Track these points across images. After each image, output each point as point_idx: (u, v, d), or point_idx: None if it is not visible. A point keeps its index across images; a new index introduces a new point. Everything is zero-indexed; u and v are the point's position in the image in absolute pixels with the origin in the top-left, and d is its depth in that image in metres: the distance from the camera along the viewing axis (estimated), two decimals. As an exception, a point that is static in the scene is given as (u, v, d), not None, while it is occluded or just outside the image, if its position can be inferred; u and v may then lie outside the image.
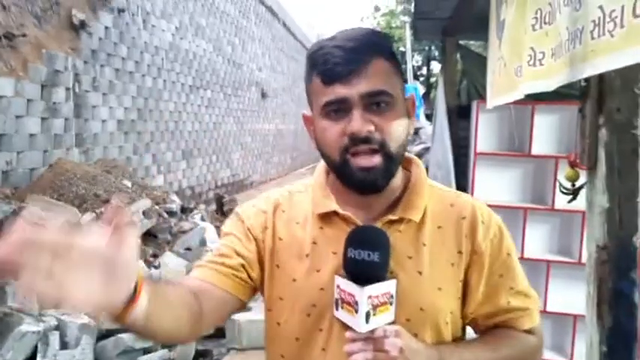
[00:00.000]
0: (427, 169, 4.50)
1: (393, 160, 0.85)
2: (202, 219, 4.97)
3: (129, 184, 4.72)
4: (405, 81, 0.96)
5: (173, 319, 0.79)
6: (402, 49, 20.84)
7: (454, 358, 0.86)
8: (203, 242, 4.18)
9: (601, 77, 1.07)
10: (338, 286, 0.82)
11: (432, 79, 19.21)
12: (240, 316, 3.35)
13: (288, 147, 15.22)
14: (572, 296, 3.19)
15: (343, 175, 0.86)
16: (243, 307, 0.95)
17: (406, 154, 0.93)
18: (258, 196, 1.01)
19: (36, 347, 2.26)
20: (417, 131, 6.37)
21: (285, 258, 0.92)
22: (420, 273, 0.87)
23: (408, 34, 15.55)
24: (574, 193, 1.38)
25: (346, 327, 0.81)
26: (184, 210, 4.87)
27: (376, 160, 0.83)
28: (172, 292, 0.82)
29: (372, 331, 0.79)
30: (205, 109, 8.92)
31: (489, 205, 3.08)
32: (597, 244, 1.13)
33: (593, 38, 0.82)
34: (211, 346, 3.25)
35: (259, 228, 0.94)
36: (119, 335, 2.49)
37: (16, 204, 3.18)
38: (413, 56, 19.19)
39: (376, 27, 23.56)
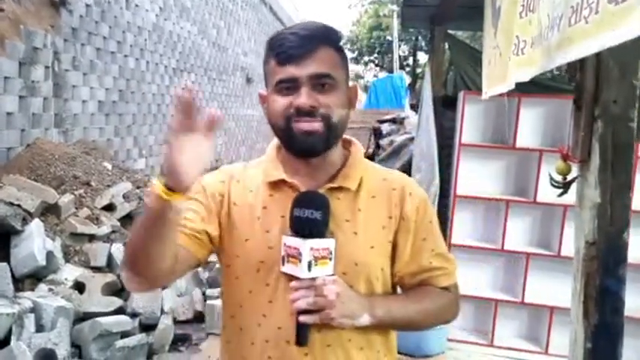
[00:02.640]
0: (411, 158, 4.49)
1: (332, 131, 0.98)
2: (184, 204, 4.90)
3: (109, 166, 4.61)
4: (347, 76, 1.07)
5: (165, 252, 0.92)
6: (389, 37, 20.77)
7: (383, 306, 1.00)
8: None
9: (598, 68, 1.06)
10: (284, 244, 0.95)
11: (418, 70, 19.20)
12: (219, 301, 3.32)
13: (272, 133, 15.08)
14: (550, 288, 3.23)
15: (287, 139, 1.00)
16: (198, 265, 1.08)
17: (346, 136, 1.08)
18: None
19: (10, 330, 2.20)
20: (402, 121, 6.36)
21: (239, 220, 1.04)
22: (356, 233, 1.01)
23: (395, 23, 15.49)
24: (565, 186, 1.37)
25: (291, 279, 0.95)
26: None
27: (317, 125, 0.96)
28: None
29: (314, 280, 0.92)
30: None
31: (473, 197, 3.09)
32: (586, 240, 1.12)
33: (570, 25, 0.80)
34: (190, 331, 3.22)
35: (217, 194, 1.06)
36: (96, 319, 2.44)
37: (-9, 183, 3.08)
38: (400, 46, 19.15)
39: (364, 15, 23.42)
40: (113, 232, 3.52)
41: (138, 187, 4.41)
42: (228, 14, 10.99)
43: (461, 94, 3.51)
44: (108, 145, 5.96)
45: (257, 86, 13.47)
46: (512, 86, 1.30)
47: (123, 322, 2.54)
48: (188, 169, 0.82)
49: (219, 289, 3.51)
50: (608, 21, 0.70)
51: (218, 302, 3.29)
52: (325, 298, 0.92)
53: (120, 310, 2.65)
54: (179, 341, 3.00)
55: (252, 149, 13.07)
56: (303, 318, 0.93)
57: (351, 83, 1.06)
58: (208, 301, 3.34)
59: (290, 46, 0.96)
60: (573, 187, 1.27)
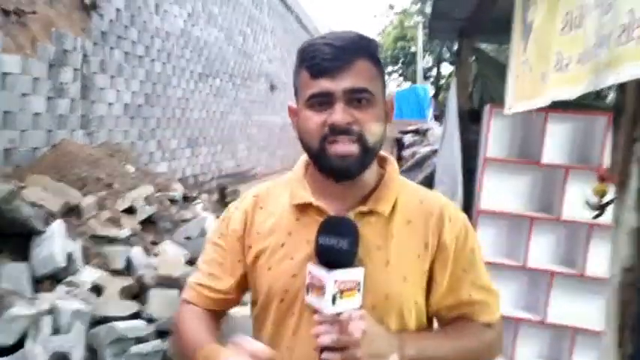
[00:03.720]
0: (433, 171, 4.43)
1: (369, 152, 0.91)
2: (204, 209, 4.92)
3: (132, 169, 4.67)
4: (384, 85, 1.00)
5: None
6: (413, 49, 20.72)
7: (414, 345, 0.90)
8: (203, 232, 4.13)
9: (639, 86, 1.01)
10: (309, 273, 0.88)
11: (442, 81, 19.08)
12: (235, 311, 3.30)
13: (293, 140, 15.13)
14: (573, 308, 3.14)
15: (320, 161, 0.93)
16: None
17: (382, 152, 1.01)
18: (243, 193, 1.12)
19: (26, 331, 2.21)
20: (425, 132, 6.30)
21: (262, 249, 0.99)
22: (388, 263, 0.93)
23: (420, 34, 15.43)
24: (601, 208, 1.31)
25: (315, 311, 0.87)
26: (186, 198, 4.82)
27: (353, 148, 0.89)
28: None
29: (339, 315, 0.84)
30: (213, 97, 8.87)
31: (496, 212, 3.00)
32: (623, 266, 1.07)
33: (619, 44, 0.76)
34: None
35: (240, 228, 1.03)
36: (112, 324, 2.44)
37: (15, 183, 3.14)
38: (424, 57, 19.07)
39: (389, 25, 23.42)
40: (133, 235, 3.55)
41: (159, 191, 4.45)
42: (255, 22, 11.11)
43: (487, 108, 3.44)
44: (131, 147, 6.05)
45: (280, 93, 13.56)
46: (548, 103, 1.25)
47: (139, 327, 2.54)
48: None
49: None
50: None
51: (233, 312, 3.27)
52: (350, 335, 0.82)
53: (136, 315, 2.65)
54: (194, 348, 2.97)
55: (273, 156, 13.14)
56: (325, 355, 0.84)
57: (387, 95, 0.99)
58: (224, 309, 3.32)
59: (324, 58, 0.88)
60: (609, 209, 1.21)
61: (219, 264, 1.04)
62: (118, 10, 5.65)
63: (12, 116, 4.11)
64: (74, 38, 4.87)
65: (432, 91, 16.21)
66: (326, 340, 0.83)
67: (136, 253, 3.27)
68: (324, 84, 0.88)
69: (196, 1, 7.87)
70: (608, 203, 1.28)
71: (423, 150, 5.07)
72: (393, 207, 0.96)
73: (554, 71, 1.10)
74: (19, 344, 2.18)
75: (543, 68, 1.17)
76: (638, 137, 1.01)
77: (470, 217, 3.53)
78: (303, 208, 0.97)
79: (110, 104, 5.63)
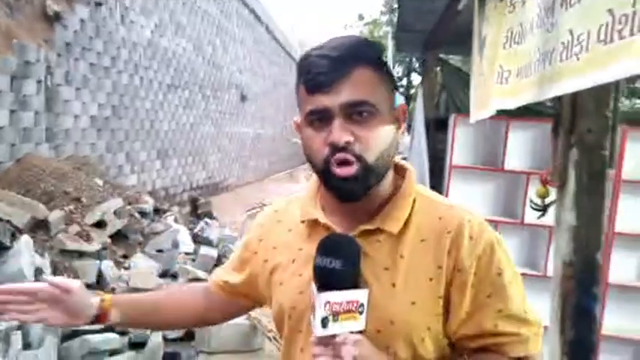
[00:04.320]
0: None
1: (372, 171, 0.85)
2: (175, 221, 4.89)
3: (100, 182, 4.61)
4: (396, 88, 0.95)
5: (164, 318, 1.12)
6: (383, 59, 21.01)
7: None
8: (175, 244, 4.12)
9: (574, 99, 1.11)
10: (312, 292, 0.85)
11: (412, 91, 19.45)
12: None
13: (265, 151, 15.16)
14: (537, 308, 3.27)
15: (325, 181, 0.89)
16: (251, 307, 1.14)
17: (401, 161, 0.96)
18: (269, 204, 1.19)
19: (-5, 348, 2.18)
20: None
21: (276, 264, 0.99)
22: (394, 285, 0.86)
23: (389, 44, 15.72)
24: (544, 209, 1.42)
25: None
26: (157, 211, 4.79)
27: (353, 169, 0.83)
28: (164, 299, 1.15)
29: (335, 337, 0.80)
30: (183, 109, 8.82)
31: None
32: (563, 260, 1.16)
33: (561, 60, 0.85)
34: (180, 349, 3.20)
35: (256, 241, 1.05)
36: (85, 336, 2.42)
37: (-19, 198, 3.07)
38: (394, 67, 19.40)
39: (359, 35, 23.70)
40: (104, 248, 3.51)
41: (129, 204, 4.41)
42: (224, 32, 11.13)
43: (452, 117, 3.57)
44: (99, 160, 5.96)
45: (251, 104, 13.57)
46: (494, 112, 1.35)
47: (112, 339, 2.52)
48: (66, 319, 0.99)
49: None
50: (598, 60, 0.73)
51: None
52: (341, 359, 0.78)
53: (109, 328, 2.63)
54: (169, 359, 2.98)
55: (245, 167, 13.11)
56: None
57: (398, 101, 0.92)
58: (198, 320, 3.32)
59: (319, 72, 0.83)
60: (552, 209, 1.32)
61: (235, 266, 1.10)
62: (82, 20, 5.59)
63: (-26, 130, 4.02)
64: (37, 49, 4.79)
65: (402, 101, 16.48)
66: None
67: (107, 266, 3.24)
68: (321, 100, 0.83)
69: (163, 11, 7.84)
70: (549, 204, 1.39)
71: (392, 158, 5.18)
72: (407, 224, 0.88)
73: (496, 83, 1.20)
74: (-13, 361, 2.14)
75: (491, 80, 1.27)
76: (573, 144, 1.11)
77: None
78: (313, 225, 0.95)
79: (76, 116, 5.55)
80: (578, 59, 0.76)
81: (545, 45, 0.93)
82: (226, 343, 3.27)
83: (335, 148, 0.83)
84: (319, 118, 0.85)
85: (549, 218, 1.36)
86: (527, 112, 3.32)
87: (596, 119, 1.08)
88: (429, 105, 3.98)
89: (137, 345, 2.79)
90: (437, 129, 3.87)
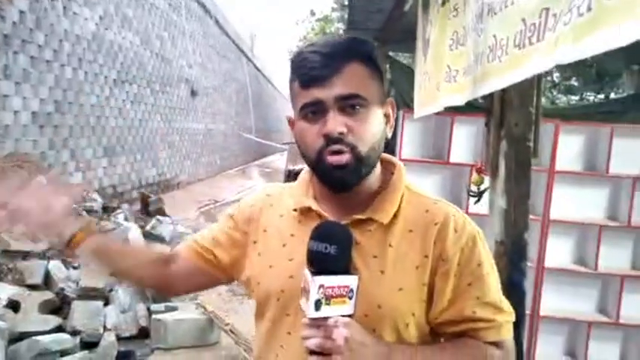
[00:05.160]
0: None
1: (364, 162, 0.90)
2: (125, 219, 4.79)
3: (44, 181, 4.44)
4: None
5: (129, 267, 1.11)
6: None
7: (403, 357, 0.88)
8: (126, 242, 4.04)
9: (503, 95, 1.22)
10: (304, 276, 0.87)
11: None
12: (165, 316, 3.29)
13: (217, 147, 14.96)
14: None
15: (318, 172, 0.93)
16: (218, 282, 1.14)
17: (389, 157, 1.01)
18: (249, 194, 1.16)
19: (-63, 353, 2.09)
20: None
21: (266, 247, 1.02)
22: (383, 272, 0.91)
23: (339, 40, 15.83)
24: (479, 195, 1.55)
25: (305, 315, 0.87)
26: (106, 209, 4.67)
27: (346, 158, 0.88)
28: (132, 253, 1.19)
29: (326, 319, 0.84)
30: (131, 104, 8.58)
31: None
32: (496, 239, 1.28)
33: (488, 61, 0.96)
34: (134, 347, 3.16)
35: (244, 220, 1.06)
36: (34, 338, 2.36)
37: None
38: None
39: (310, 32, 23.79)
40: (50, 248, 3.40)
41: (76, 203, 4.28)
42: (173, 25, 10.88)
43: (400, 113, 3.70)
44: (42, 158, 5.73)
45: (202, 99, 13.35)
46: (442, 109, 1.45)
47: (63, 340, 2.47)
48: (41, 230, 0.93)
49: (164, 305, 3.48)
50: (514, 61, 0.84)
51: (165, 317, 3.26)
52: (333, 341, 0.82)
53: (59, 329, 2.57)
54: (123, 358, 2.94)
55: (197, 163, 12.90)
56: (312, 359, 0.84)
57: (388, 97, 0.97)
58: (154, 316, 3.30)
59: (312, 67, 0.88)
60: (486, 196, 1.44)
61: (213, 236, 1.09)
62: (21, 12, 5.34)
63: None
64: (-26, 42, 4.55)
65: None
66: (310, 343, 0.83)
67: (54, 266, 3.15)
68: (315, 93, 0.88)
69: (108, 3, 7.59)
70: (484, 191, 1.52)
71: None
72: (395, 216, 0.94)
73: (444, 82, 1.30)
74: None
75: (438, 79, 1.37)
76: (503, 136, 1.23)
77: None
78: (305, 212, 0.99)
79: (16, 112, 5.30)
80: (500, 61, 0.87)
81: (477, 47, 1.03)
82: (183, 338, 3.26)
83: (329, 139, 0.87)
84: (313, 111, 0.89)
85: (485, 204, 1.49)
86: (470, 108, 3.51)
87: (521, 114, 1.20)
88: (379, 101, 4.10)
89: (89, 345, 2.74)
90: (386, 124, 3.99)
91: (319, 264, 0.86)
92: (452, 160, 3.52)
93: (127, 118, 8.40)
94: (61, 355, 2.43)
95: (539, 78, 1.22)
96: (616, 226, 3.26)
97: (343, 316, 0.85)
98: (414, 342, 0.93)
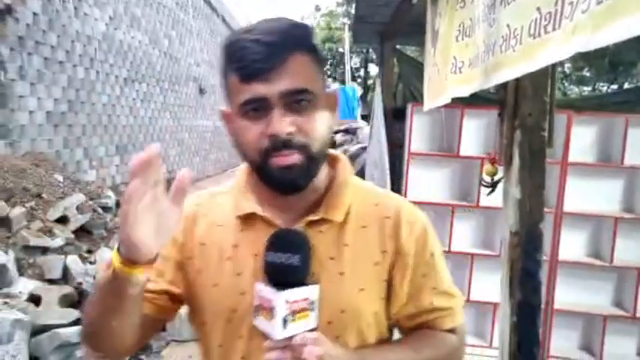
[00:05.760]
0: (364, 167, 4.65)
1: (315, 161, 0.82)
2: (139, 215, 4.85)
3: (60, 178, 4.53)
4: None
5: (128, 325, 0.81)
6: (340, 50, 21.21)
7: None
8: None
9: (517, 86, 1.25)
10: (258, 292, 0.79)
11: (370, 81, 19.69)
12: (181, 310, 3.34)
13: (226, 144, 15.03)
14: (493, 286, 3.46)
15: (263, 175, 0.83)
16: (164, 325, 0.93)
17: (333, 151, 0.92)
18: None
19: (-35, 344, 2.16)
20: (354, 131, 6.57)
21: (206, 263, 0.89)
22: (342, 274, 0.85)
23: (347, 35, 15.86)
24: (493, 186, 1.57)
25: (265, 335, 0.78)
26: (119, 205, 4.74)
27: (295, 157, 0.79)
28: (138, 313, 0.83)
29: (291, 339, 0.75)
30: (141, 103, 8.66)
31: (421, 203, 3.26)
32: (510, 230, 1.31)
33: (501, 52, 0.97)
34: (150, 340, 3.22)
35: (181, 236, 0.91)
36: (54, 330, 2.43)
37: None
38: (351, 58, 19.60)
39: (316, 27, 23.80)
40: (68, 244, 3.47)
41: (91, 199, 4.35)
42: (180, 24, 10.94)
43: (409, 106, 3.71)
44: (57, 156, 5.82)
45: (210, 97, 13.42)
46: (449, 100, 1.47)
47: (82, 332, 2.53)
48: (149, 241, 0.68)
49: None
50: (529, 51, 0.85)
51: (180, 311, 3.31)
52: None
53: (78, 322, 2.63)
54: (139, 350, 3.00)
55: (205, 160, 12.99)
56: None
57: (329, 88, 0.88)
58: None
59: (254, 60, 0.77)
60: (500, 186, 1.46)
61: (154, 269, 0.85)
62: (35, 14, 5.42)
63: None
64: (-11, 44, 4.63)
65: (360, 92, 16.70)
66: None
67: (72, 261, 3.22)
68: (257, 88, 0.77)
69: (117, 3, 7.66)
70: (497, 181, 1.54)
71: (353, 148, 5.31)
72: (347, 212, 0.87)
73: (451, 73, 1.32)
74: (-42, 357, 2.13)
75: (445, 70, 1.39)
76: (517, 126, 1.25)
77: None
78: (248, 219, 0.88)
79: (31, 112, 5.39)
80: (514, 51, 0.89)
81: (489, 38, 1.05)
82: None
83: (276, 142, 0.78)
84: (255, 108, 0.79)
85: (499, 196, 1.51)
86: (479, 100, 3.51)
87: (535, 103, 1.22)
88: (387, 95, 4.11)
89: (108, 337, 2.79)
90: (395, 118, 4.00)
91: (281, 277, 0.78)
92: (462, 153, 3.52)
93: (137, 116, 8.49)
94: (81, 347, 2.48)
95: (553, 67, 1.24)
96: (632, 218, 3.23)
97: (308, 330, 0.77)
98: (373, 341, 0.88)
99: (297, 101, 0.79)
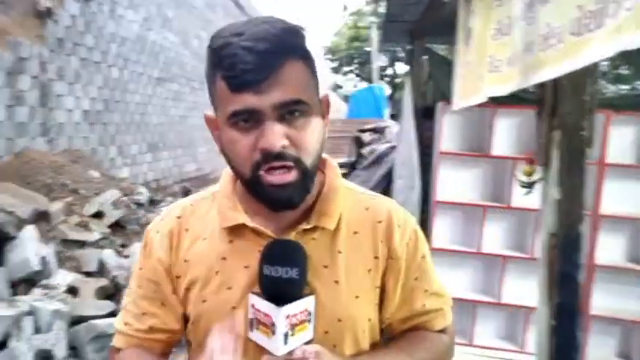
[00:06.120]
0: (392, 167, 4.63)
1: (309, 175, 0.79)
2: (170, 211, 4.96)
3: (96, 174, 4.67)
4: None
5: None
6: (368, 48, 21.12)
7: None
8: None
9: (555, 85, 1.23)
10: (253, 305, 0.76)
11: (397, 80, 19.53)
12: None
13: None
14: (525, 289, 3.40)
15: (255, 191, 0.79)
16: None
17: (323, 155, 0.88)
18: (162, 213, 0.94)
19: (9, 332, 2.26)
20: (382, 130, 6.54)
21: (193, 279, 0.86)
22: (337, 282, 0.83)
23: (374, 34, 15.79)
24: (530, 186, 1.55)
25: (262, 349, 0.75)
26: (152, 202, 4.86)
27: (291, 176, 0.76)
28: None
29: (290, 353, 0.74)
30: (172, 102, 8.84)
31: (452, 203, 3.23)
32: (549, 232, 1.29)
33: (541, 50, 0.96)
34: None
35: (166, 256, 0.88)
36: (91, 321, 2.52)
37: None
38: (378, 57, 19.50)
39: (343, 26, 23.77)
40: (103, 238, 3.59)
41: (125, 195, 4.47)
42: (210, 25, 11.10)
43: (439, 105, 3.67)
44: (92, 153, 6.00)
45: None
46: (485, 99, 1.46)
47: (117, 324, 2.61)
48: None
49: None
50: (570, 49, 0.85)
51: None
52: None
53: (113, 314, 2.72)
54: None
55: (234, 158, 13.14)
56: None
57: (322, 92, 0.84)
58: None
59: (245, 69, 0.72)
60: (536, 186, 1.44)
61: (149, 299, 0.88)
62: (73, 16, 5.60)
63: (-30, 125, 4.05)
64: (30, 46, 4.81)
65: (388, 91, 16.59)
66: None
67: (108, 255, 3.32)
68: (248, 99, 0.73)
69: (150, 5, 7.83)
70: (535, 182, 1.51)
71: (382, 147, 5.29)
72: (339, 219, 0.85)
73: (487, 72, 1.31)
74: (3, 344, 2.23)
75: (480, 69, 1.38)
76: (555, 126, 1.23)
77: (427, 208, 3.75)
78: (236, 229, 0.84)
79: (69, 111, 5.57)
80: (555, 50, 0.88)
81: (528, 36, 1.04)
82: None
83: (268, 156, 0.74)
84: (245, 119, 0.75)
85: (535, 200, 1.49)
86: (512, 100, 3.45)
87: (575, 103, 1.20)
88: (417, 94, 4.07)
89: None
90: (425, 117, 3.96)
91: (278, 291, 0.75)
92: (494, 152, 3.47)
93: (168, 115, 8.67)
94: (117, 339, 2.56)
95: (594, 65, 1.21)
96: (673, 221, 3.12)
97: (306, 342, 0.76)
98: (367, 347, 0.87)
99: (291, 112, 0.75)
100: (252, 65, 0.72)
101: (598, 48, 0.70)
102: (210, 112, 0.85)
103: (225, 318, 0.78)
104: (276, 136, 0.73)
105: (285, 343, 0.73)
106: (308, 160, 0.77)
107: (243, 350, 0.76)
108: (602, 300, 3.20)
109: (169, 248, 0.88)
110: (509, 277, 3.45)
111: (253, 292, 0.77)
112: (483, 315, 3.55)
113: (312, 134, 0.78)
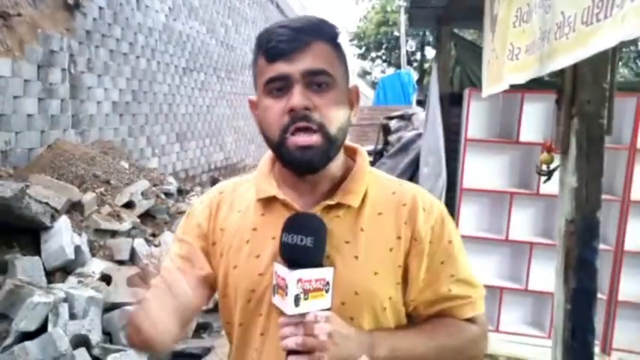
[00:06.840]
0: (419, 154, 4.60)
1: (332, 142, 0.85)
2: (198, 200, 5.07)
3: (126, 165, 4.80)
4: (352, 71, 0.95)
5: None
6: (396, 33, 20.82)
7: (386, 344, 0.86)
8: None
9: (575, 72, 1.20)
10: (275, 272, 0.83)
11: (426, 65, 19.22)
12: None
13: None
14: (552, 276, 3.34)
15: (281, 154, 0.87)
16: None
17: (351, 143, 0.97)
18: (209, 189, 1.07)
19: (47, 318, 2.38)
20: (410, 117, 6.47)
21: (227, 247, 0.94)
22: (357, 258, 0.88)
23: (402, 18, 15.54)
24: (549, 174, 1.53)
25: (282, 313, 0.82)
26: (181, 192, 4.97)
27: (314, 138, 0.83)
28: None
29: (304, 316, 0.80)
30: (199, 91, 8.95)
31: (478, 190, 3.18)
32: (566, 218, 1.27)
33: (556, 39, 0.95)
34: (212, 320, 3.39)
35: (205, 224, 0.97)
36: (124, 308, 2.62)
37: (22, 183, 3.27)
38: (407, 41, 19.20)
39: (371, 10, 23.44)
40: (134, 228, 3.70)
41: (154, 185, 4.59)
42: (236, 13, 11.14)
43: (466, 92, 3.61)
44: (122, 144, 6.15)
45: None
46: (507, 87, 1.44)
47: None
48: (157, 333, 0.79)
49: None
50: (581, 38, 0.84)
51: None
52: (315, 338, 0.79)
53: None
54: (201, 329, 3.18)
55: (261, 147, 13.25)
56: (291, 359, 0.80)
57: (352, 84, 0.92)
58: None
59: (280, 40, 0.83)
60: (556, 174, 1.42)
61: (186, 259, 0.96)
62: (100, 8, 5.71)
63: (6, 118, 4.20)
64: (60, 38, 4.94)
65: (416, 76, 16.35)
66: (290, 342, 0.79)
67: (139, 244, 3.43)
68: (281, 67, 0.83)
69: (176, -6, 7.92)
70: (554, 170, 1.49)
71: (409, 134, 5.24)
72: (363, 199, 0.91)
73: (508, 60, 1.29)
74: (41, 329, 2.35)
75: (503, 57, 1.36)
76: (574, 114, 1.20)
77: (454, 195, 3.72)
78: (268, 203, 0.92)
79: (99, 102, 5.72)
80: (567, 38, 0.87)
81: (545, 24, 1.02)
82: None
83: (295, 116, 0.83)
84: (278, 87, 0.84)
85: (555, 183, 1.47)
86: (540, 85, 3.36)
87: (594, 90, 1.17)
88: (444, 80, 4.02)
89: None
90: (451, 103, 3.91)
91: (295, 257, 0.82)
92: (521, 139, 3.40)
93: (195, 105, 8.79)
94: (148, 324, 2.66)
95: (613, 52, 1.18)
96: None
97: (322, 310, 0.82)
98: (391, 326, 0.91)
99: (318, 84, 0.84)
100: (286, 37, 0.83)
101: (604, 37, 0.69)
102: (252, 98, 0.95)
103: (252, 284, 0.89)
104: (301, 97, 0.82)
105: (296, 305, 0.79)
106: (332, 128, 0.85)
107: (268, 313, 0.88)
108: (630, 286, 3.14)
109: (209, 217, 0.97)
110: (536, 263, 3.41)
111: (277, 261, 0.84)
112: (510, 301, 3.52)
113: (337, 107, 0.85)
